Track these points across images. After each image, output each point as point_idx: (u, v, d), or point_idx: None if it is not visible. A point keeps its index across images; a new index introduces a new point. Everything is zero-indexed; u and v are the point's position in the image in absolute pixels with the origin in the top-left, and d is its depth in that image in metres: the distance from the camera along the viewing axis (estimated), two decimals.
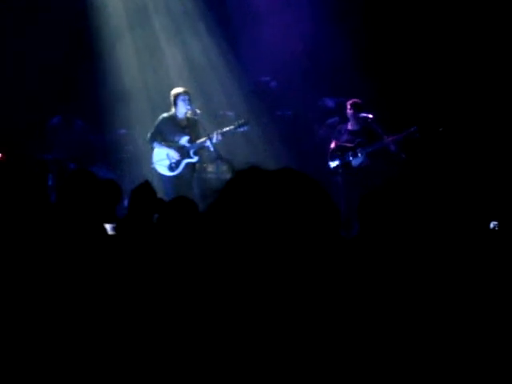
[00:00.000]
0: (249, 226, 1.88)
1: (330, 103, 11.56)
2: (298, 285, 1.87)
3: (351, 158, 9.98)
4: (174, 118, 9.73)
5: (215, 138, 9.51)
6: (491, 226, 4.43)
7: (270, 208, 1.88)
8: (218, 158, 9.85)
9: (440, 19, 11.01)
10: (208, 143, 9.53)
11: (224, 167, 10.34)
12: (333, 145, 10.14)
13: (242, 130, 9.81)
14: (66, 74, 11.17)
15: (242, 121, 9.80)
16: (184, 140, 9.68)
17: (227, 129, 9.70)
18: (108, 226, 5.05)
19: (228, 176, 10.16)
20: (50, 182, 9.94)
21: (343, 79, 11.11)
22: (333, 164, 10.07)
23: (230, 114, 10.84)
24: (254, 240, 1.86)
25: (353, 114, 10.03)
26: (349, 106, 10.06)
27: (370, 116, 10.01)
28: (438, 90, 10.92)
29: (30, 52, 11.16)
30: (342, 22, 11.26)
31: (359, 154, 9.94)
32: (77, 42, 11.27)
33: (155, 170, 9.75)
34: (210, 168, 10.64)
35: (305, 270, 1.87)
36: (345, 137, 10.11)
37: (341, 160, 10.03)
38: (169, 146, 9.70)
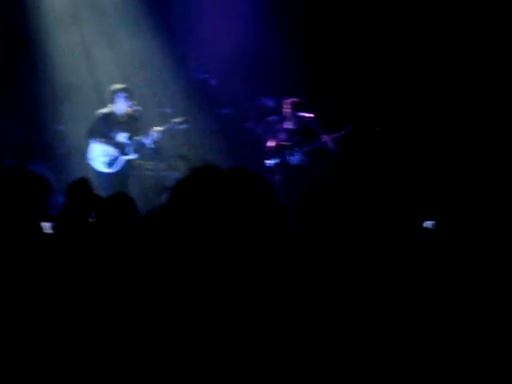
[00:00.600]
0: (200, 221, 1.89)
1: (269, 103, 11.60)
2: (247, 281, 1.88)
3: (288, 157, 10.03)
4: (111, 114, 9.64)
5: (155, 135, 9.47)
6: (427, 224, 4.50)
7: (221, 207, 1.89)
8: (157, 155, 9.81)
9: (375, 19, 11.13)
10: (147, 140, 9.49)
11: (162, 165, 10.29)
12: (270, 143, 10.17)
13: (181, 127, 9.79)
14: (1, 71, 10.98)
15: (182, 118, 9.78)
16: (122, 137, 9.61)
17: (166, 126, 9.66)
18: (46, 225, 4.97)
19: (166, 174, 10.12)
20: None
21: (282, 79, 11.16)
22: (270, 162, 10.10)
23: (169, 111, 10.78)
24: (202, 237, 1.87)
25: (291, 113, 10.07)
26: (288, 105, 10.09)
27: (310, 115, 10.06)
28: (376, 91, 11.04)
29: None
30: (281, 22, 11.32)
31: (296, 153, 10.00)
32: (12, 39, 11.08)
33: (91, 167, 9.64)
34: (149, 165, 10.58)
35: (252, 267, 1.88)
36: (282, 135, 10.15)
37: (278, 158, 10.07)
38: (106, 143, 9.61)
